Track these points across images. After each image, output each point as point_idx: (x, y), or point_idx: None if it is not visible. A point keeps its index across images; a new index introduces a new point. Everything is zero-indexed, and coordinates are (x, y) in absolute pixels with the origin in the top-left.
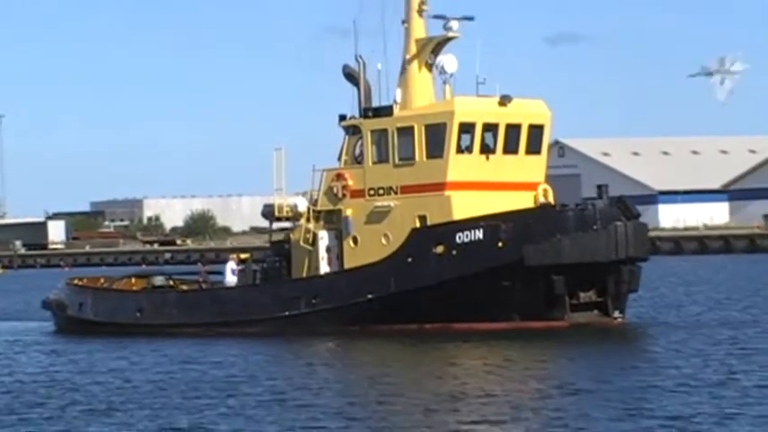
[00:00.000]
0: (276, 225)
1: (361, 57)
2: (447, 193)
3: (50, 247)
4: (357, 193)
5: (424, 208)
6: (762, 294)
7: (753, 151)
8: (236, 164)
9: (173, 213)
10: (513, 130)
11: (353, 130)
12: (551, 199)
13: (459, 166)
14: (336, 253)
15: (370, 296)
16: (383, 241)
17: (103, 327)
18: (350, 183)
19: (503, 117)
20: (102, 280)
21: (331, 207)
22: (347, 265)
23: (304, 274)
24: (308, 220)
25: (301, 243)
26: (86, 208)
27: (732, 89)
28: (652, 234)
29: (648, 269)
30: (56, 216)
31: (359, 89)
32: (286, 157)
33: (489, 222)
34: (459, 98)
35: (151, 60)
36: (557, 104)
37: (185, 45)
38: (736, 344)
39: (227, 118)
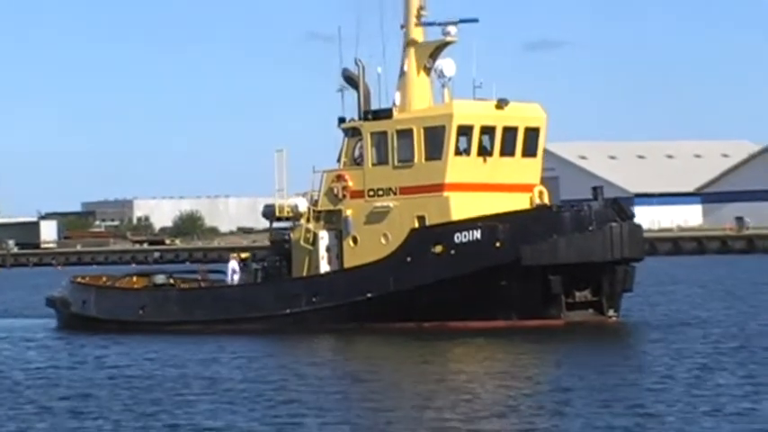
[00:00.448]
0: (263, 225)
1: (360, 60)
2: (445, 194)
3: (43, 246)
4: (357, 194)
5: (423, 208)
6: (736, 294)
7: (726, 155)
8: (222, 166)
9: (162, 214)
10: (510, 132)
11: (353, 133)
12: (547, 200)
13: (457, 168)
14: (336, 252)
15: (369, 295)
16: (382, 241)
17: (106, 324)
18: (350, 184)
19: (500, 120)
20: (104, 278)
21: (331, 207)
22: (347, 265)
23: (304, 273)
24: (308, 220)
25: (302, 243)
26: (78, 208)
27: None
28: None
29: None
30: (48, 216)
31: (358, 92)
32: (287, 158)
33: (487, 223)
34: (458, 101)
35: (140, 65)
36: None
37: (174, 49)
38: (712, 342)
39: (214, 121)
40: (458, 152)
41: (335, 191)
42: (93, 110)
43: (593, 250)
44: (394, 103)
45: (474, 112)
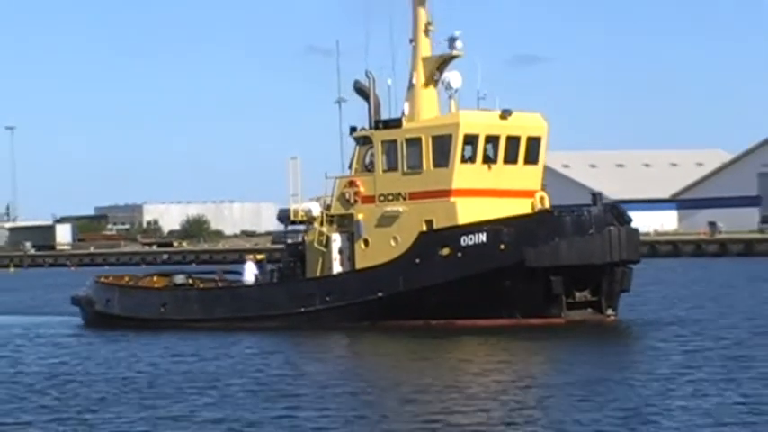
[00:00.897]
0: (265, 229)
1: (371, 73)
2: (452, 199)
3: (58, 248)
4: (368, 199)
5: (431, 213)
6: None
7: (700, 164)
8: (227, 173)
9: (170, 218)
10: (513, 141)
11: (364, 141)
12: (548, 205)
13: (463, 175)
14: (348, 254)
15: (380, 294)
16: (392, 243)
17: (129, 321)
18: (361, 189)
19: (503, 129)
20: (126, 278)
21: (343, 212)
22: (358, 266)
23: (318, 274)
24: (321, 223)
25: (315, 245)
26: (91, 212)
27: None
28: None
29: None
30: (63, 220)
31: (369, 103)
32: (300, 165)
33: (492, 227)
34: (464, 112)
35: (150, 78)
36: None
37: (182, 62)
38: (688, 340)
39: (219, 131)
40: (464, 160)
41: (347, 196)
42: (105, 120)
43: (592, 253)
44: (403, 113)
45: (479, 121)
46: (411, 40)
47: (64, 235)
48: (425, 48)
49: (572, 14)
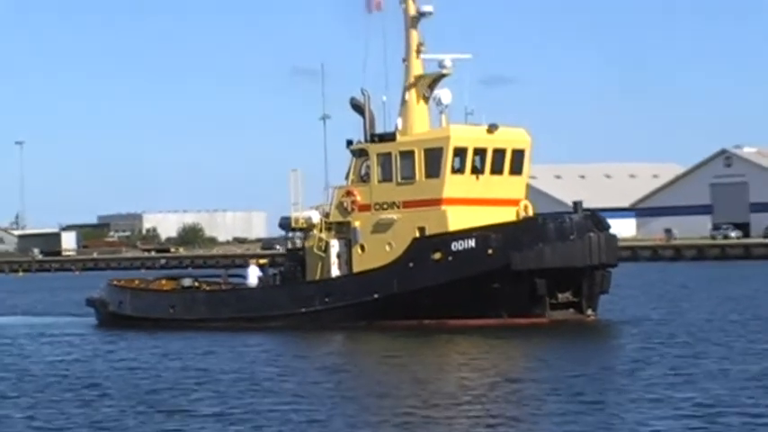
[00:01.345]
0: (255, 236)
1: (366, 90)
2: (443, 207)
3: (63, 254)
4: (364, 207)
5: (423, 220)
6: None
7: (656, 176)
8: (220, 184)
9: (168, 225)
10: (499, 153)
11: (360, 153)
12: (531, 213)
13: (453, 185)
14: (346, 259)
15: (376, 296)
16: (387, 249)
17: (140, 321)
18: (358, 198)
19: (490, 143)
20: (137, 281)
21: (341, 219)
22: (355, 270)
23: (317, 277)
24: (320, 230)
25: (315, 250)
26: (94, 221)
27: None
28: None
29: None
30: (68, 228)
31: (364, 118)
32: (301, 177)
33: (480, 233)
34: (454, 126)
35: (149, 97)
36: None
37: (176, 82)
38: (652, 340)
39: (213, 146)
40: (454, 171)
41: (345, 204)
42: (108, 136)
43: (574, 257)
44: (396, 128)
45: (468, 135)
46: (404, 60)
47: (69, 242)
48: (417, 67)
49: (534, 38)
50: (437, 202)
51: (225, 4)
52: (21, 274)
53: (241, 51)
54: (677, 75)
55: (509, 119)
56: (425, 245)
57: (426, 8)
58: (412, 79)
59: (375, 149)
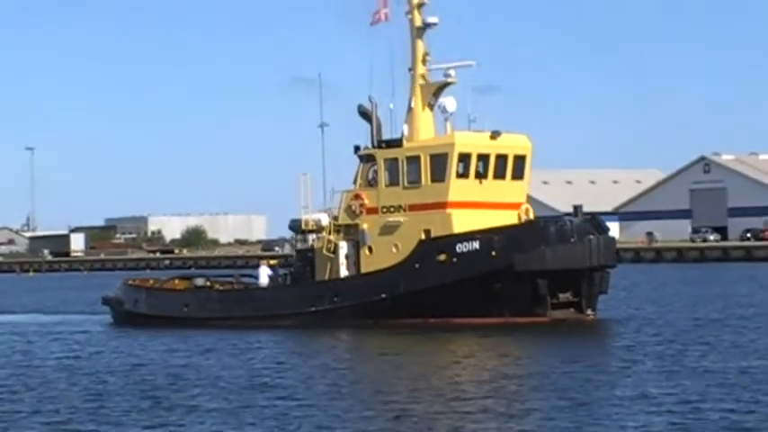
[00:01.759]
0: (256, 238)
1: (373, 98)
2: (448, 210)
3: (72, 254)
4: (372, 211)
5: (429, 223)
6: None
7: (638, 181)
8: (222, 188)
9: (172, 228)
10: (502, 159)
11: (367, 159)
12: (532, 216)
13: (457, 189)
14: (354, 260)
15: (383, 296)
16: (394, 250)
17: (155, 319)
18: (366, 202)
19: (493, 149)
20: (151, 281)
21: (350, 222)
22: (363, 270)
23: (326, 277)
24: (329, 232)
25: (324, 251)
26: (101, 223)
27: None
28: None
29: None
30: (77, 230)
31: (371, 125)
32: (310, 181)
33: (484, 235)
34: (459, 133)
35: (153, 106)
36: None
37: (178, 92)
38: (640, 339)
39: (215, 152)
40: (458, 175)
41: (353, 207)
42: (114, 142)
43: (574, 258)
44: (403, 134)
45: (472, 141)
46: (410, 69)
47: (77, 243)
48: (423, 76)
49: (518, 47)
50: (442, 205)
51: (230, 15)
52: (31, 274)
53: (244, 60)
54: (659, 85)
55: (497, 126)
56: (431, 246)
57: (432, 19)
58: (417, 87)
59: (382, 155)
